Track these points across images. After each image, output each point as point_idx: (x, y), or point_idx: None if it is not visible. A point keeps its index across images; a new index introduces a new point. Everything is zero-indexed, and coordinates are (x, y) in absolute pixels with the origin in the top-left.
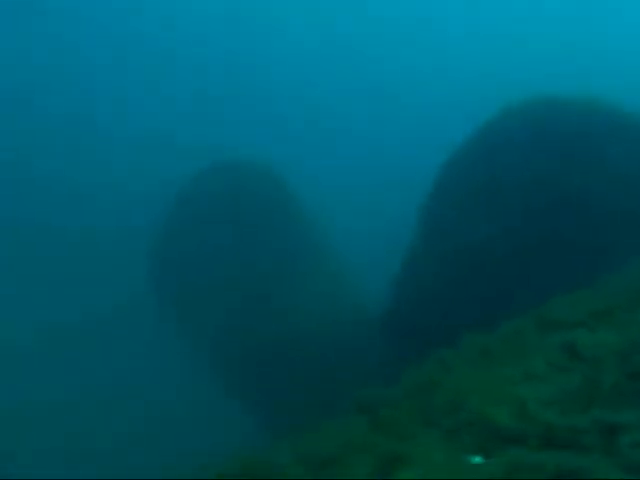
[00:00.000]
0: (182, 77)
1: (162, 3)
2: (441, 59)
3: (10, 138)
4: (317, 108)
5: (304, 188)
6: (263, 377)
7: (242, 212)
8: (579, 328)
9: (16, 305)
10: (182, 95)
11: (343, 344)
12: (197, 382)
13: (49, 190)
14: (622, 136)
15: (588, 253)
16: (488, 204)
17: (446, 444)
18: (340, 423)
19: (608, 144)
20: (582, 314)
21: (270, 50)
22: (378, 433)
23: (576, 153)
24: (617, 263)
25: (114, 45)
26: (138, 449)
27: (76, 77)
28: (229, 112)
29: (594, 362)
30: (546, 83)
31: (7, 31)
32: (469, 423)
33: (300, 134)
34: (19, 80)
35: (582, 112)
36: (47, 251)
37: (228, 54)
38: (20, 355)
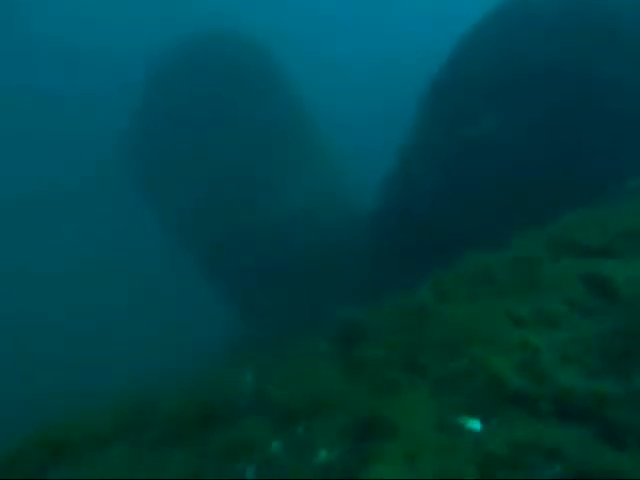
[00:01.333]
0: None
1: None
2: None
3: None
4: None
5: (293, 64)
6: (243, 270)
7: (224, 84)
8: (607, 256)
9: None
10: None
11: (331, 244)
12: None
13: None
14: None
15: (614, 163)
16: (500, 94)
17: (436, 401)
18: (312, 356)
19: None
20: (608, 236)
21: None
22: (354, 379)
23: (616, 36)
24: None
25: None
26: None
27: None
28: None
29: (633, 304)
30: None
31: None
32: (466, 373)
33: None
34: None
35: None
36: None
37: None
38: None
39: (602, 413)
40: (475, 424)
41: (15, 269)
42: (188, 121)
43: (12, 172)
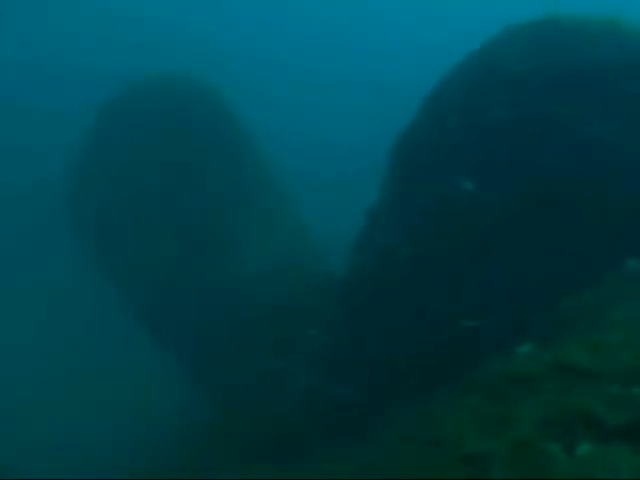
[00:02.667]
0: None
1: None
2: None
3: None
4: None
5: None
6: (188, 337)
7: (179, 128)
8: None
9: None
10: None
11: (292, 311)
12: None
13: None
14: None
15: (601, 228)
16: (474, 151)
17: None
18: None
19: (632, 80)
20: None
21: None
22: None
23: (591, 92)
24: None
25: None
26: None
27: None
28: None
29: None
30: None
31: None
32: None
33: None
34: None
35: (601, 37)
36: None
37: None
38: None
39: None
40: None
41: None
42: (133, 174)
43: None
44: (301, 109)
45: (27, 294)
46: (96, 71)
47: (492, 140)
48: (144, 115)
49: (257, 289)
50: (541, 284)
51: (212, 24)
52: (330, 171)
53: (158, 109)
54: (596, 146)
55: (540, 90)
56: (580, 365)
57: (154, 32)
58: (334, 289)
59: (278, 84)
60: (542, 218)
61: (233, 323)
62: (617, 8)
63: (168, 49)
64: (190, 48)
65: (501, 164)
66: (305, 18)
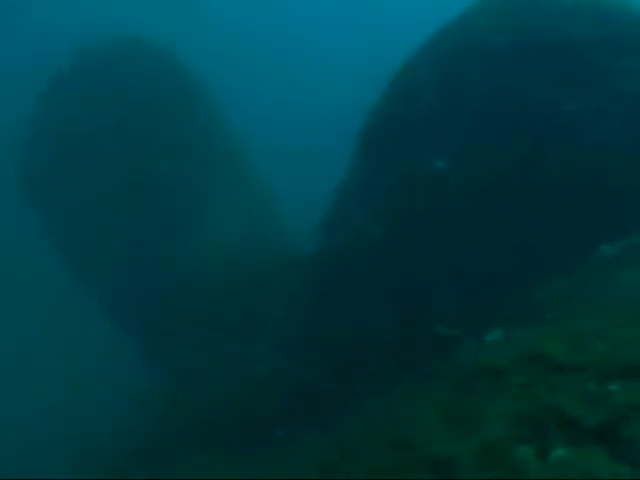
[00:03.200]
0: None
1: None
2: None
3: None
4: None
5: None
6: (150, 318)
7: (134, 99)
8: None
9: None
10: None
11: (258, 290)
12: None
13: None
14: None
15: (575, 211)
16: (447, 126)
17: None
18: None
19: (611, 57)
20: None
21: None
22: None
23: (569, 67)
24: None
25: None
26: None
27: None
28: None
29: None
30: None
31: None
32: None
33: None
34: None
35: (583, 9)
36: None
37: None
38: None
39: None
40: None
41: None
42: (90, 137)
43: None
44: (276, 80)
45: None
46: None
47: (467, 116)
48: (105, 78)
49: (222, 267)
50: (512, 269)
51: None
52: (301, 143)
53: (123, 73)
54: (573, 124)
55: (518, 64)
56: (553, 357)
57: None
58: (302, 268)
59: (254, 54)
60: (515, 200)
61: (196, 303)
62: None
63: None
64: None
65: (475, 141)
66: None
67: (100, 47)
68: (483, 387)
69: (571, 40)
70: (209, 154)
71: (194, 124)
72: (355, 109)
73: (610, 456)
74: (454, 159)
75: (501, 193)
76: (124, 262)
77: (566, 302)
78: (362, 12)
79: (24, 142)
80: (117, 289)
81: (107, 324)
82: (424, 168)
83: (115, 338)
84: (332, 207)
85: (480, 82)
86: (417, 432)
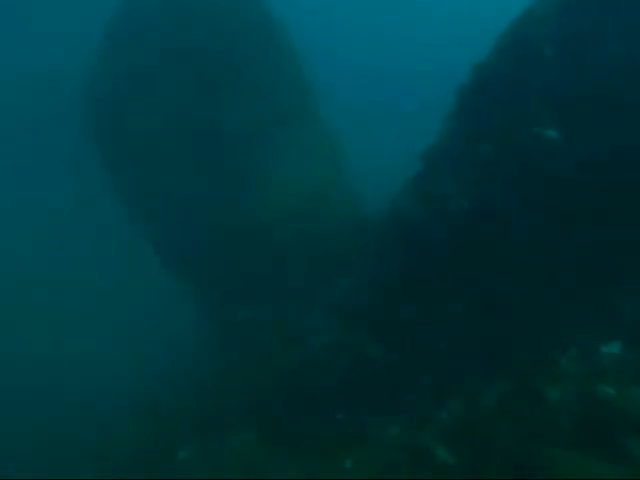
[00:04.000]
0: None
1: None
2: None
3: None
4: None
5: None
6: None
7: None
8: None
9: None
10: None
11: (325, 254)
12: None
13: None
14: None
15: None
16: (567, 92)
17: None
18: None
19: None
20: None
21: None
22: None
23: None
24: None
25: None
26: None
27: None
28: None
29: None
30: None
31: None
32: None
33: None
34: None
35: None
36: None
37: None
38: None
39: None
40: None
41: None
42: (158, 88)
43: None
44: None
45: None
46: None
47: (595, 81)
48: (174, 17)
49: (282, 228)
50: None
51: None
52: (390, 104)
53: (193, 11)
54: None
55: None
56: None
57: None
58: (373, 236)
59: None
60: None
61: (255, 259)
62: None
63: None
64: None
65: (599, 114)
66: None
67: None
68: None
69: None
70: (284, 105)
71: (274, 70)
72: (453, 70)
73: None
74: (569, 131)
75: (626, 177)
76: (184, 212)
77: None
78: None
79: (90, 75)
80: (176, 237)
81: (164, 273)
82: (533, 137)
83: (172, 289)
84: (416, 173)
85: (619, 42)
86: None
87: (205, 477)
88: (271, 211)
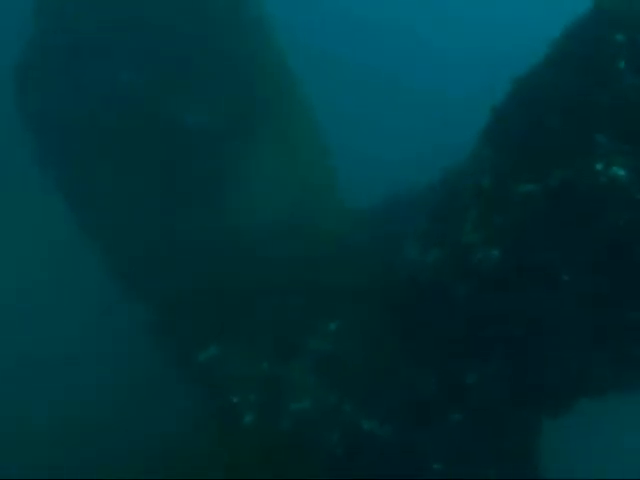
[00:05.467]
0: None
1: None
2: None
3: None
4: None
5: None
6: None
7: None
8: None
9: None
10: None
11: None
12: None
13: None
14: None
15: None
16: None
17: None
18: None
19: None
20: None
21: None
22: None
23: None
24: None
25: None
26: None
27: None
28: None
29: None
30: None
31: None
32: None
33: None
34: None
35: None
36: None
37: None
38: None
39: None
40: None
41: None
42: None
43: None
44: None
45: None
46: None
47: None
48: None
49: (252, 255)
50: None
51: None
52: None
53: None
54: None
55: None
56: None
57: None
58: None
59: None
60: None
61: (221, 294)
62: None
63: None
64: None
65: None
66: None
67: None
68: None
69: None
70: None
71: (243, 51)
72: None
73: None
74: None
75: None
76: (146, 228)
77: None
78: None
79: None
80: (131, 252)
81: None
82: (594, 175)
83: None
84: (431, 209)
85: None
86: None
87: None
88: (241, 233)
